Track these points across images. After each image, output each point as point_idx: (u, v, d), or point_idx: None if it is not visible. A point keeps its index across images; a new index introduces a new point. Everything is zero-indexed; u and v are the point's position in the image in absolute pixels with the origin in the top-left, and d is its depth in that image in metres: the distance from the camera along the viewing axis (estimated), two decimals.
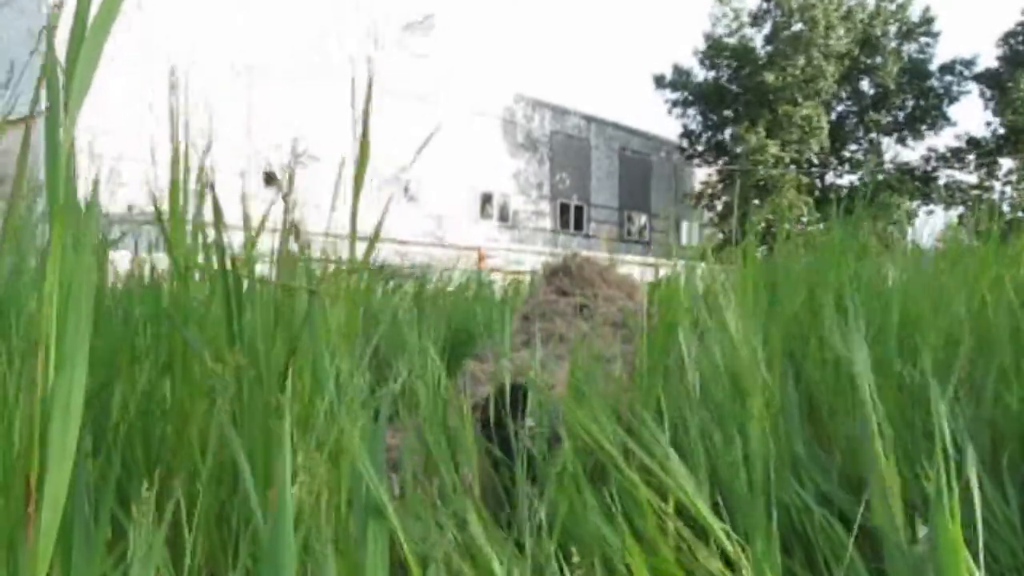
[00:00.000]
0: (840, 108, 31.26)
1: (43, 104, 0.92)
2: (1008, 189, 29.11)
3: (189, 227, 1.49)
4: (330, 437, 1.16)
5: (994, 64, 29.13)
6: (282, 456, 0.96)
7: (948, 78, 30.41)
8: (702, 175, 31.61)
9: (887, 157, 31.25)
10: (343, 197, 1.50)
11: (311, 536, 1.08)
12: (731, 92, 30.07)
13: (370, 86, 1.28)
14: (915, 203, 29.83)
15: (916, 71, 30.23)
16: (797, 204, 27.09)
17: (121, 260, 1.85)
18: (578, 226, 28.91)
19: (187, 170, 1.50)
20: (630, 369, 2.11)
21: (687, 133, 31.22)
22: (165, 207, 1.47)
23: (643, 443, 1.26)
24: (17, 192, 1.09)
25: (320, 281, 1.35)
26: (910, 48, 30.56)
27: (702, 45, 30.57)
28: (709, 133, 31.10)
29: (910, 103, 30.65)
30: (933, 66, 30.41)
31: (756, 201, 28.03)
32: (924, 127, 30.82)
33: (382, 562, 1.08)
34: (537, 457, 1.48)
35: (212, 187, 1.41)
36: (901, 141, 31.20)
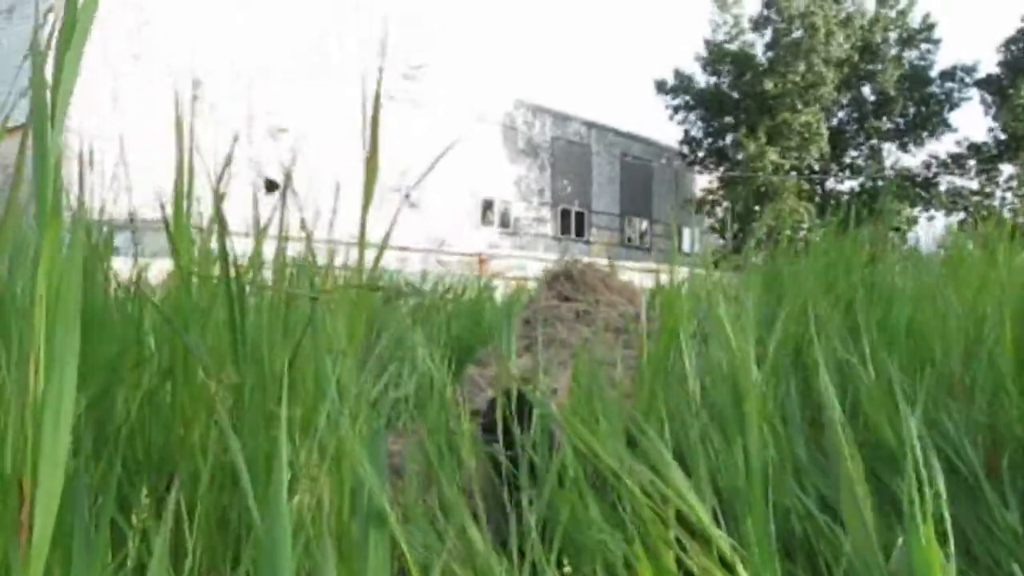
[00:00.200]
0: (841, 114, 31.30)
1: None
2: (1009, 195, 29.15)
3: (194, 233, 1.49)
4: (331, 443, 1.16)
5: (995, 70, 29.22)
6: (279, 463, 0.95)
7: (949, 84, 30.48)
8: (703, 181, 31.64)
9: (888, 163, 31.28)
10: (343, 200, 1.50)
11: (312, 543, 1.08)
12: (731, 99, 30.10)
13: (377, 98, 1.25)
14: (915, 209, 29.85)
15: (917, 77, 30.29)
16: (798, 210, 27.11)
17: (123, 266, 1.86)
18: (579, 232, 28.93)
19: (191, 175, 1.50)
20: (632, 374, 2.10)
21: (688, 139, 31.25)
22: (169, 212, 1.47)
23: (646, 457, 1.26)
24: (14, 199, 1.09)
25: (323, 290, 1.35)
26: (911, 54, 30.62)
27: (703, 51, 30.65)
28: (710, 139, 31.13)
29: (911, 109, 30.68)
30: (934, 72, 30.49)
31: (757, 207, 28.07)
32: (925, 133, 30.87)
33: (384, 569, 1.07)
34: (538, 462, 1.48)
35: (216, 193, 1.41)
36: (902, 147, 31.24)
